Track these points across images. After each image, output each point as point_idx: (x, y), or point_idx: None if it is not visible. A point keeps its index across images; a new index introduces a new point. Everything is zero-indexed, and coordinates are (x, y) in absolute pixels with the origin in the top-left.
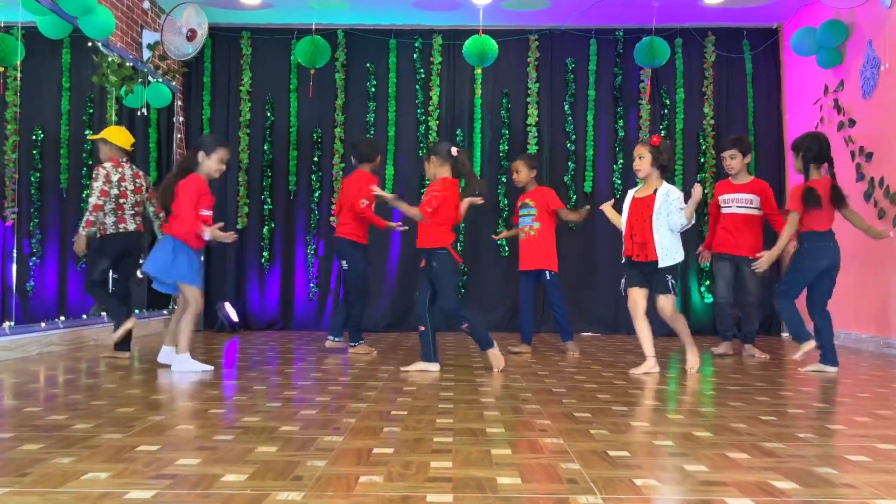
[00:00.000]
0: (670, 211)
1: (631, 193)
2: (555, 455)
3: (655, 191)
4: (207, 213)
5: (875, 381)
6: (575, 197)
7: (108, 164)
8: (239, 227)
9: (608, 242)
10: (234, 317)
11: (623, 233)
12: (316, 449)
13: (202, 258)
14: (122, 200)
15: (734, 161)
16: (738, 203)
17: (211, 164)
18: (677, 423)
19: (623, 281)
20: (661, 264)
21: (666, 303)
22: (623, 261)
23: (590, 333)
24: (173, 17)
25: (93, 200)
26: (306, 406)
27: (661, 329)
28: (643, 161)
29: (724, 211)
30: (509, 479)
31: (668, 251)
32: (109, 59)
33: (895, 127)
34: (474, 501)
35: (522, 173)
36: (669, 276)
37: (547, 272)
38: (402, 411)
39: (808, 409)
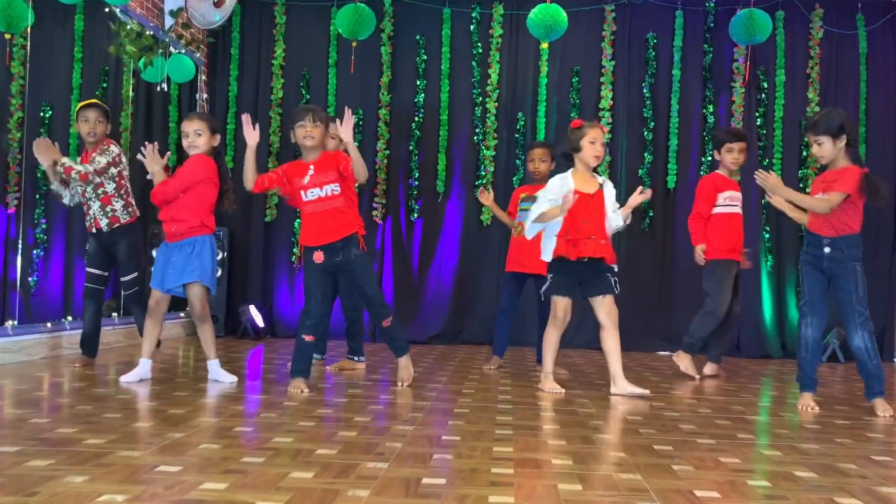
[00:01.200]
0: (615, 210)
1: (568, 186)
2: (632, 494)
3: (601, 185)
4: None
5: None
6: (653, 195)
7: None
8: (267, 219)
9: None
10: (260, 322)
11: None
12: (357, 476)
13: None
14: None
15: (742, 156)
16: (732, 201)
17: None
18: (776, 462)
19: (545, 288)
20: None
21: (611, 302)
22: (551, 266)
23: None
24: None
25: (92, 167)
26: (344, 426)
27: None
28: (604, 149)
29: (721, 210)
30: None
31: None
32: (128, 27)
33: None
34: None
35: (545, 164)
36: (611, 275)
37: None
38: (454, 436)
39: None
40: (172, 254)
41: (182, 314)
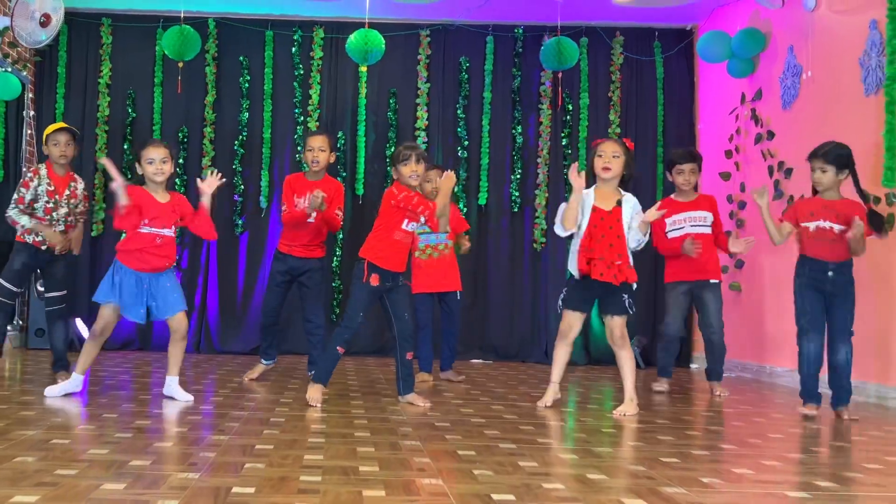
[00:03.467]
0: (631, 225)
1: (589, 200)
2: (433, 498)
3: (619, 202)
4: (149, 229)
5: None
6: (466, 209)
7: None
8: (94, 234)
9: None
10: (86, 334)
11: (578, 245)
12: (168, 487)
13: (125, 280)
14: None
15: (694, 176)
16: (692, 222)
17: (146, 169)
18: (571, 465)
19: (562, 299)
20: (632, 280)
21: (620, 324)
22: (570, 278)
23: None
24: (26, 0)
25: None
26: (161, 437)
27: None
28: (617, 161)
29: (677, 234)
30: None
31: (632, 268)
32: None
33: (816, 140)
34: None
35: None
36: (626, 296)
37: (458, 293)
38: (267, 445)
39: (715, 451)
40: (155, 285)
41: (10, 328)
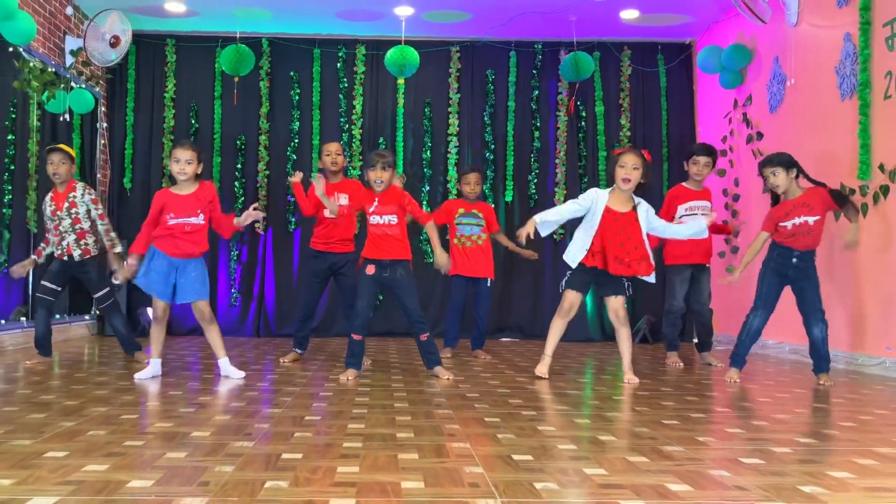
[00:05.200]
0: (654, 226)
1: (602, 201)
2: (460, 459)
3: (634, 207)
4: (176, 220)
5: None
6: (494, 206)
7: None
8: None
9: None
10: None
11: (589, 242)
12: (225, 454)
13: (156, 263)
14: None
15: (707, 169)
16: (702, 210)
17: (172, 168)
18: (584, 428)
19: (565, 280)
20: (652, 279)
21: (620, 304)
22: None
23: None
24: (97, 23)
25: (107, 222)
26: (220, 411)
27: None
28: (636, 173)
29: (690, 219)
30: (413, 484)
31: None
32: (31, 64)
33: (800, 140)
34: None
35: (479, 186)
36: (626, 279)
37: (488, 280)
38: (315, 416)
39: (711, 414)
40: (183, 271)
41: (87, 317)
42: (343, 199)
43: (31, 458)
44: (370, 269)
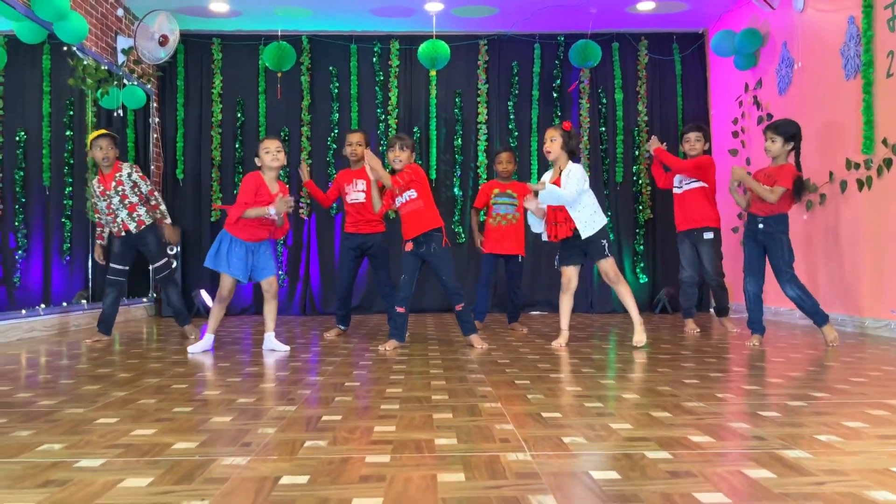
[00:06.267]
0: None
1: (546, 179)
2: (492, 417)
3: (561, 173)
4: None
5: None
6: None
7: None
8: (212, 219)
9: None
10: (210, 303)
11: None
12: (268, 418)
13: (235, 248)
14: None
15: (698, 143)
16: (687, 181)
17: (263, 159)
18: (609, 388)
19: (557, 259)
20: (584, 235)
21: (608, 266)
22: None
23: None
24: (146, 23)
25: (158, 197)
26: (265, 380)
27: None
28: (554, 144)
29: (687, 188)
30: (447, 440)
31: (588, 223)
32: (85, 62)
33: (808, 119)
34: (410, 461)
35: (512, 165)
36: (603, 241)
37: (519, 257)
38: (354, 383)
39: (728, 374)
40: (257, 252)
41: (145, 299)
42: (362, 185)
43: (82, 424)
44: (408, 247)
